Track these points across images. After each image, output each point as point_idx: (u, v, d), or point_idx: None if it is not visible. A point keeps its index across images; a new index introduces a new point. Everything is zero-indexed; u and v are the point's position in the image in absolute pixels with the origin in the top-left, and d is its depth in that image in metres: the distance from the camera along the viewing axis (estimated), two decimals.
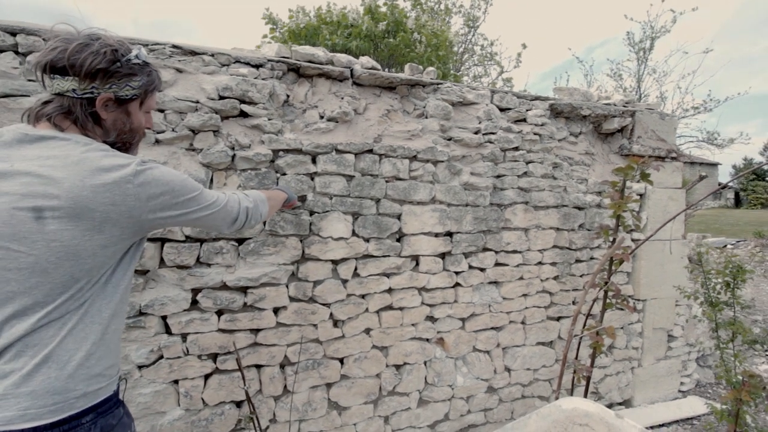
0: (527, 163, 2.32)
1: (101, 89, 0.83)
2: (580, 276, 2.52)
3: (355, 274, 1.91)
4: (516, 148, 2.28)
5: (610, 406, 2.68)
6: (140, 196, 0.81)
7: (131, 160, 0.82)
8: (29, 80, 1.40)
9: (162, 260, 1.56)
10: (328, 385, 1.90)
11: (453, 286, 2.16)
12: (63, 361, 0.77)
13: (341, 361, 1.92)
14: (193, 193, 0.92)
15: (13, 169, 0.74)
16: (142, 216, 0.82)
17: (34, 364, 0.74)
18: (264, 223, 1.72)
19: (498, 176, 2.25)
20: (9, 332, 0.73)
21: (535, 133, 2.33)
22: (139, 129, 0.94)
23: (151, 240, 1.52)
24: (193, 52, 1.63)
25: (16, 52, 1.40)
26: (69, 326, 0.78)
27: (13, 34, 1.39)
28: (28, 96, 1.39)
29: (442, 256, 2.12)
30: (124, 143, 0.92)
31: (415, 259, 2.06)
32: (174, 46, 1.60)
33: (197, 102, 1.60)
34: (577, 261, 2.52)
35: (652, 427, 2.56)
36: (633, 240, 2.66)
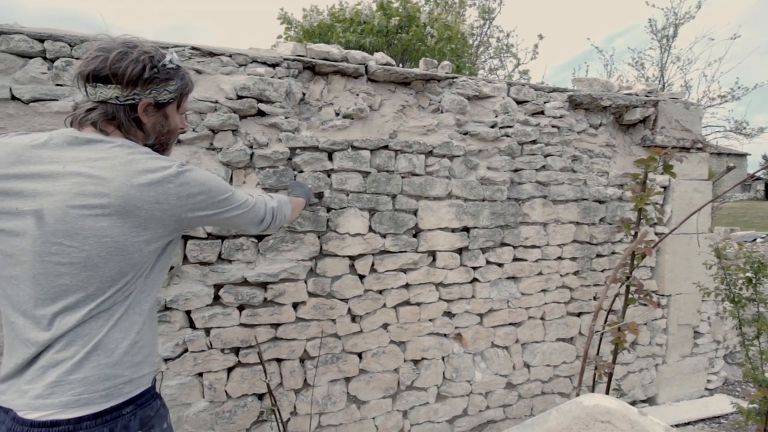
0: (545, 156, 2.28)
1: (142, 95, 0.87)
2: (602, 271, 2.47)
3: (372, 270, 1.93)
4: (534, 142, 2.25)
5: (633, 403, 2.63)
6: (180, 195, 0.85)
7: (173, 162, 0.87)
8: (57, 85, 1.46)
9: (185, 257, 1.60)
10: (347, 379, 1.93)
11: (470, 282, 2.15)
12: (111, 349, 0.81)
13: (359, 355, 1.94)
14: (226, 194, 0.97)
15: (66, 170, 0.79)
16: (182, 214, 0.87)
17: (85, 353, 0.78)
18: None
19: (515, 170, 2.22)
20: (61, 323, 0.78)
21: (553, 126, 2.29)
22: (175, 130, 0.99)
23: None
24: (212, 53, 1.66)
25: (44, 58, 1.46)
26: (116, 317, 0.82)
27: (41, 40, 1.44)
28: (57, 100, 1.44)
29: (459, 251, 2.12)
30: (162, 144, 0.97)
31: (432, 254, 2.06)
32: (193, 48, 1.63)
33: (216, 102, 1.63)
34: (598, 256, 2.47)
35: (677, 426, 2.50)
36: (657, 234, 2.59)
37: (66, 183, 0.77)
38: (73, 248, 0.77)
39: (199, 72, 1.64)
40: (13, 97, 1.41)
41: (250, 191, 1.30)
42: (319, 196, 1.79)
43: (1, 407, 0.79)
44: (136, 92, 0.86)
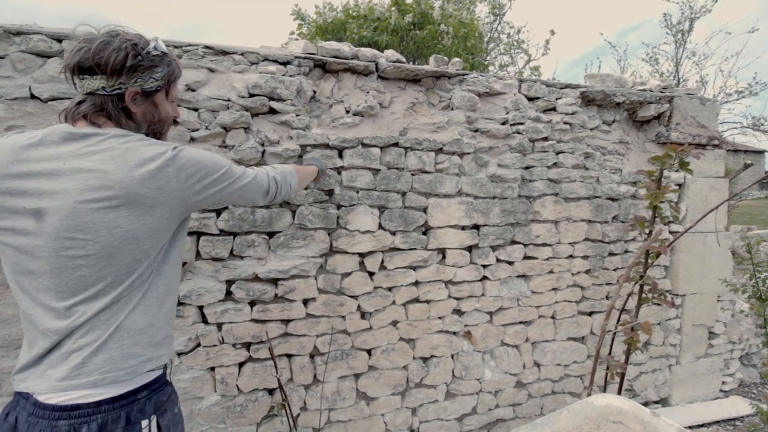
0: (557, 153, 2.26)
1: (128, 84, 0.87)
2: (614, 270, 2.44)
3: (382, 267, 1.93)
4: (545, 139, 2.22)
5: (645, 404, 2.59)
6: (180, 178, 0.87)
7: (167, 146, 0.88)
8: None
9: (198, 252, 1.63)
10: (357, 376, 1.94)
11: (480, 280, 2.14)
12: (131, 330, 0.84)
13: (369, 352, 1.95)
14: (223, 168, 0.97)
15: (67, 167, 0.80)
16: (186, 195, 0.88)
17: (107, 335, 0.81)
18: (293, 217, 1.76)
19: (526, 167, 2.20)
20: (83, 311, 0.80)
21: (565, 123, 2.26)
22: (167, 118, 0.99)
23: (188, 233, 1.59)
24: (224, 52, 1.68)
25: (62, 57, 1.49)
26: (134, 301, 0.85)
27: (59, 40, 1.47)
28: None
29: (469, 249, 2.11)
30: (155, 133, 0.97)
31: (442, 252, 2.06)
32: (206, 47, 1.65)
33: (228, 100, 1.65)
34: (611, 254, 2.44)
35: (690, 427, 2.46)
36: (671, 232, 2.54)
37: (70, 180, 0.79)
38: (87, 241, 0.79)
39: (211, 70, 1.66)
40: (33, 96, 1.44)
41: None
42: (330, 193, 1.80)
43: (20, 393, 0.81)
44: (121, 81, 0.85)
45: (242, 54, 1.70)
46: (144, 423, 0.83)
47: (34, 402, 0.78)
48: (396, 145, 1.91)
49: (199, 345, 1.65)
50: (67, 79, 0.86)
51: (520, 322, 2.26)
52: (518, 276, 2.23)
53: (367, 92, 1.91)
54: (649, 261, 1.77)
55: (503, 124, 2.15)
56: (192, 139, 1.61)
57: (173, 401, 0.94)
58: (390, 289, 1.96)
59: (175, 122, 1.59)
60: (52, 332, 0.80)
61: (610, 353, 1.90)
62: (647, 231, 1.78)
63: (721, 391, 2.82)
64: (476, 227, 2.11)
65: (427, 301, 2.04)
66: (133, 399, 0.83)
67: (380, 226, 1.90)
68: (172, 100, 0.99)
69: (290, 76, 1.75)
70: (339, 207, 1.83)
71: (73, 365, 0.79)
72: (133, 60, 0.85)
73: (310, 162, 1.60)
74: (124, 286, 0.83)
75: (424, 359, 2.07)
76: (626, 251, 2.47)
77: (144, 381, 0.86)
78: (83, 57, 0.83)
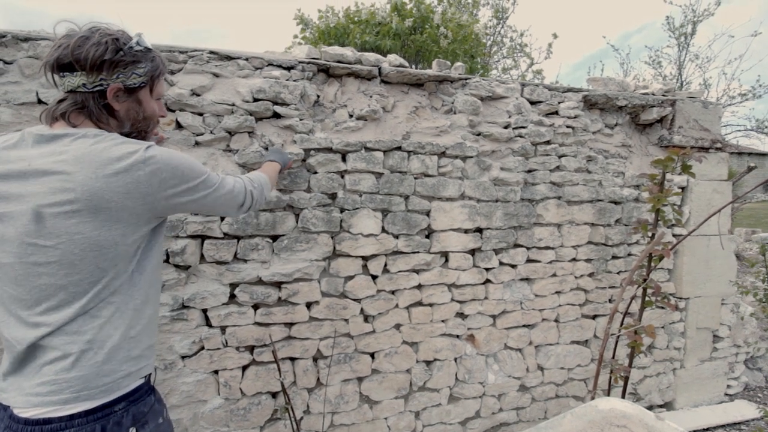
0: (560, 156, 2.26)
1: (110, 80, 0.83)
2: (617, 273, 2.43)
3: (385, 270, 1.93)
4: (548, 142, 2.23)
5: (650, 408, 2.58)
6: (152, 182, 0.81)
7: (139, 146, 0.82)
8: None
9: (202, 256, 1.64)
10: (360, 379, 1.94)
11: (483, 283, 2.14)
12: (106, 345, 0.81)
13: (372, 355, 1.95)
14: (201, 177, 0.92)
15: (31, 168, 0.77)
16: (155, 202, 0.83)
17: (79, 351, 0.78)
18: (297, 221, 1.77)
19: (529, 171, 2.21)
20: (48, 322, 0.78)
21: (567, 126, 2.27)
22: (152, 116, 0.95)
23: (191, 237, 1.60)
24: (229, 57, 1.69)
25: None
26: (106, 314, 0.81)
27: None
28: None
29: (472, 252, 2.11)
30: (140, 132, 0.93)
31: (445, 255, 2.06)
32: (211, 52, 1.67)
33: (233, 105, 1.66)
34: (614, 257, 2.43)
35: (695, 431, 2.45)
36: (674, 235, 2.54)
37: (34, 183, 0.76)
38: (48, 248, 0.76)
39: (216, 75, 1.67)
40: (40, 101, 1.46)
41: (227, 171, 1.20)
42: (332, 197, 1.81)
43: (0, 404, 0.80)
44: (102, 77, 0.82)
45: (246, 59, 1.72)
46: None
47: (11, 414, 0.77)
48: (399, 149, 1.91)
49: (202, 348, 1.66)
50: (47, 78, 0.83)
51: (524, 326, 2.25)
52: (521, 279, 2.23)
53: (371, 96, 1.92)
54: (652, 264, 1.76)
55: (506, 127, 2.15)
56: (197, 143, 1.63)
57: (157, 411, 0.89)
58: (393, 292, 1.96)
59: (179, 126, 1.61)
60: (18, 341, 0.78)
61: (613, 357, 1.89)
62: (650, 234, 1.78)
63: (726, 394, 2.80)
64: (479, 230, 2.12)
65: (430, 305, 2.04)
66: (109, 411, 0.80)
67: (383, 230, 1.91)
68: (157, 97, 0.95)
69: (294, 80, 1.77)
70: (342, 210, 1.84)
71: (45, 380, 0.76)
72: (114, 54, 0.82)
73: (273, 158, 1.50)
74: (89, 296, 0.79)
75: (427, 362, 2.07)
76: (629, 254, 2.47)
77: (121, 392, 0.83)
78: (62, 53, 0.80)
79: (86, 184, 0.75)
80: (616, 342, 1.92)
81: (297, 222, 1.77)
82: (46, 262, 0.76)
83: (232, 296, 1.70)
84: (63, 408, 0.76)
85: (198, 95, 1.63)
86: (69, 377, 0.77)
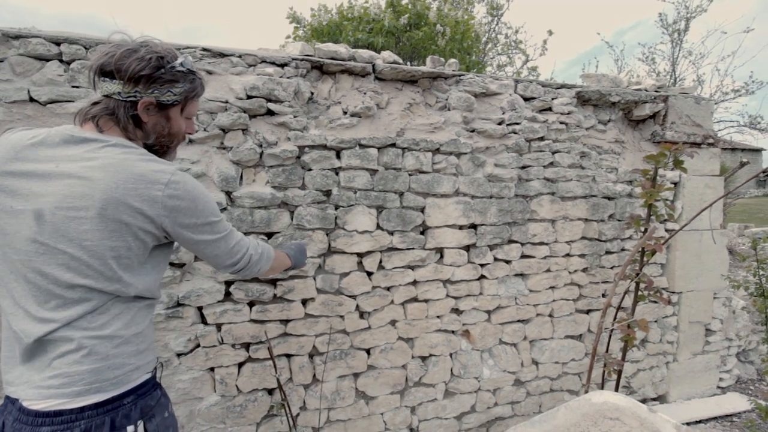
0: (553, 153, 2.27)
1: (144, 93, 0.87)
2: (611, 268, 2.46)
3: (380, 267, 1.94)
4: (541, 138, 2.24)
5: (643, 401, 2.61)
6: (167, 205, 0.84)
7: (167, 168, 0.86)
8: (73, 86, 1.49)
9: None
10: (356, 375, 1.95)
11: (478, 279, 2.15)
12: (116, 341, 0.84)
13: (368, 351, 1.96)
14: (214, 219, 0.95)
15: (58, 170, 0.80)
16: (165, 224, 0.86)
17: (92, 345, 0.80)
18: (291, 218, 1.77)
19: (523, 167, 2.22)
20: (58, 318, 0.79)
21: (561, 122, 2.28)
22: (178, 134, 0.98)
23: None
24: (222, 54, 1.69)
25: (61, 61, 1.50)
26: (115, 311, 0.84)
27: (58, 43, 1.48)
28: (73, 101, 1.48)
29: (467, 248, 2.12)
30: (162, 146, 0.97)
31: (440, 251, 2.07)
32: (204, 49, 1.66)
33: (227, 102, 1.66)
34: (608, 252, 2.45)
35: (688, 424, 2.48)
36: (667, 230, 2.56)
37: (58, 184, 0.78)
38: (58, 250, 0.78)
39: (209, 72, 1.67)
40: (31, 99, 1.45)
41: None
42: (328, 193, 1.81)
43: (8, 397, 0.81)
44: (137, 90, 0.86)
45: (240, 56, 1.71)
46: (130, 429, 0.82)
47: (20, 407, 0.78)
48: (393, 145, 1.92)
49: (198, 346, 1.66)
50: (89, 78, 0.88)
51: (518, 321, 2.27)
52: (516, 275, 2.25)
53: (365, 93, 1.92)
54: (645, 259, 1.78)
55: (500, 124, 2.16)
56: (190, 141, 1.62)
57: (163, 405, 0.92)
58: (388, 288, 1.97)
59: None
60: (26, 335, 0.79)
61: (607, 351, 1.91)
62: (643, 229, 1.80)
63: (719, 387, 2.84)
64: (474, 227, 2.13)
65: (426, 301, 2.05)
66: (119, 404, 0.82)
67: (378, 226, 1.92)
68: (188, 116, 0.99)
69: (288, 77, 1.77)
70: (337, 207, 1.84)
71: (57, 373, 0.78)
72: (154, 71, 0.86)
73: (291, 253, 1.42)
74: (98, 295, 0.82)
75: (423, 358, 2.08)
76: (623, 249, 2.49)
77: (130, 386, 0.85)
78: (107, 60, 0.84)
79: (106, 192, 0.78)
80: (610, 336, 1.94)
81: (292, 219, 1.77)
82: (57, 264, 0.78)
83: (228, 294, 1.70)
84: (74, 400, 0.78)
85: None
86: (81, 370, 0.79)
